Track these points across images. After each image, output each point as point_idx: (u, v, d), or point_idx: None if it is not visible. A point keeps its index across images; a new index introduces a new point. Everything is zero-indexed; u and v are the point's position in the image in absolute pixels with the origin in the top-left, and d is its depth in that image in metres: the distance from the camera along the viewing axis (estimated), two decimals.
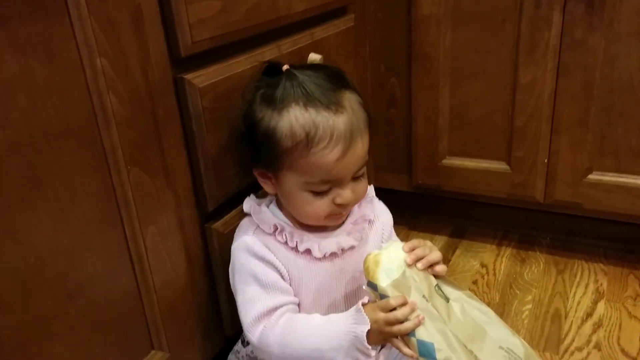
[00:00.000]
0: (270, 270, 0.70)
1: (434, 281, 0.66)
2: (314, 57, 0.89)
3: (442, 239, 1.31)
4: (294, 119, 0.66)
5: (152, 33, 0.63)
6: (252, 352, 0.79)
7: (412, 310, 0.61)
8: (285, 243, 0.72)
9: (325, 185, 0.68)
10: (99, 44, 0.57)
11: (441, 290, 0.66)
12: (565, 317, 1.03)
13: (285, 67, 0.72)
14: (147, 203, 0.65)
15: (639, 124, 1.00)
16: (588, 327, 1.00)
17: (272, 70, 0.72)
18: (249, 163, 0.74)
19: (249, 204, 0.75)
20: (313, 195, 0.69)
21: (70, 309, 0.58)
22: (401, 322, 0.61)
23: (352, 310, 0.65)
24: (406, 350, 0.62)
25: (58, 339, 0.57)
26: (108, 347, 0.63)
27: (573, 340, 0.97)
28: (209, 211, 0.75)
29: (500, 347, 0.63)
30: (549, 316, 1.03)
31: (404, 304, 0.62)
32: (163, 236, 0.68)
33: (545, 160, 1.09)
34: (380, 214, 0.82)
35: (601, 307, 1.04)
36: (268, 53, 0.82)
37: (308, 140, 0.65)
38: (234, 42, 0.76)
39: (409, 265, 0.65)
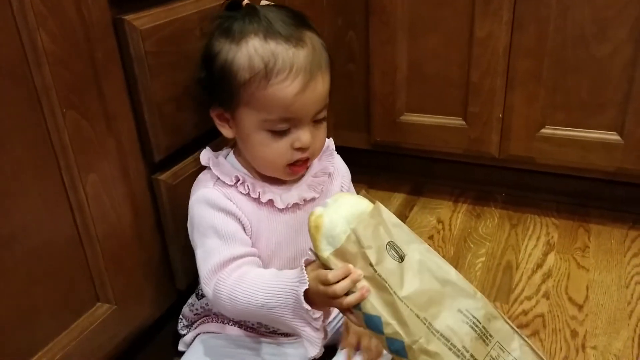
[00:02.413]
0: (230, 220, 0.69)
1: (386, 238, 0.58)
2: (265, 4, 0.87)
3: (400, 197, 1.32)
4: (253, 50, 0.64)
5: None
6: (206, 304, 0.78)
7: (354, 283, 0.56)
8: (247, 194, 0.70)
9: (283, 123, 0.66)
10: None
11: (395, 249, 0.59)
12: (517, 269, 1.05)
13: (246, 1, 0.70)
14: (87, 149, 0.62)
15: (590, 77, 1.01)
16: (538, 277, 1.03)
17: (232, 6, 0.70)
18: (206, 104, 0.71)
19: (206, 156, 0.73)
20: (271, 135, 0.66)
21: (6, 257, 0.55)
22: (341, 296, 0.57)
23: (299, 267, 0.62)
24: (354, 321, 0.59)
25: None
26: (49, 298, 0.61)
27: (523, 290, 1.00)
28: (156, 161, 0.72)
29: (459, 311, 0.59)
30: (500, 268, 1.06)
31: (345, 276, 0.56)
32: (105, 185, 0.65)
33: (500, 115, 1.10)
34: (339, 167, 0.81)
35: (551, 258, 1.07)
36: None
37: (266, 72, 0.63)
38: None
39: (358, 224, 0.57)
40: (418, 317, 0.57)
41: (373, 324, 0.57)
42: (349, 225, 0.57)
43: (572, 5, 0.98)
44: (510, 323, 0.61)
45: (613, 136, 1.04)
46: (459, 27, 1.07)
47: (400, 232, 0.59)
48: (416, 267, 0.58)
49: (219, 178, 0.71)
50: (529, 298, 0.98)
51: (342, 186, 0.81)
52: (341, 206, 0.59)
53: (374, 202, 0.60)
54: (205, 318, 0.79)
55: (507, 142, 1.12)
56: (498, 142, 1.13)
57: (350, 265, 0.57)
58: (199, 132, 0.78)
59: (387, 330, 0.57)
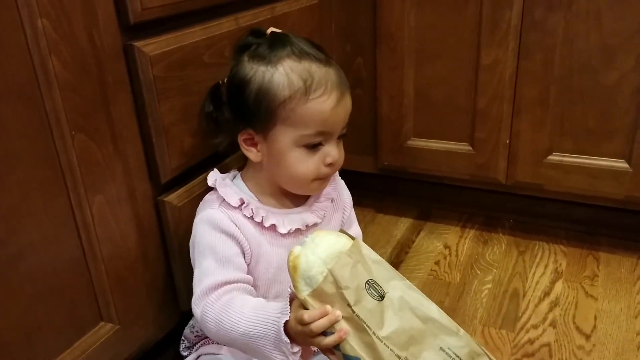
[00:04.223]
0: (230, 243, 0.70)
1: (365, 276, 0.57)
2: (274, 29, 0.89)
3: (407, 221, 1.31)
4: (289, 69, 0.67)
5: None
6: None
7: (331, 323, 0.56)
8: (251, 218, 0.71)
9: (319, 137, 0.68)
10: (39, 4, 0.55)
11: (374, 287, 0.58)
12: (523, 296, 1.04)
13: (270, 30, 0.73)
14: (94, 171, 0.63)
15: (596, 104, 1.02)
16: (545, 305, 1.01)
17: (256, 34, 0.73)
18: (233, 129, 0.72)
19: (213, 177, 0.74)
20: (306, 152, 0.69)
21: (11, 275, 0.57)
22: (318, 334, 0.57)
23: (284, 300, 0.61)
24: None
25: None
26: (53, 317, 0.62)
27: (529, 318, 0.99)
28: (162, 183, 0.74)
29: (441, 349, 0.57)
30: (507, 295, 1.05)
31: (321, 317, 0.56)
32: (111, 206, 0.66)
33: (507, 141, 1.11)
34: (342, 193, 0.82)
35: (559, 286, 1.06)
36: (225, 25, 0.81)
37: (306, 88, 0.66)
38: (188, 11, 0.75)
39: (336, 264, 0.57)
40: (399, 357, 0.56)
41: None
42: (326, 266, 0.56)
43: (578, 34, 0.99)
44: None
45: (621, 164, 1.03)
46: (465, 54, 1.08)
47: (380, 268, 0.58)
48: (397, 304, 0.57)
49: (224, 200, 0.72)
50: (535, 326, 0.96)
51: (344, 211, 0.82)
52: (318, 245, 0.58)
53: (353, 239, 0.59)
54: (205, 340, 0.79)
55: (514, 168, 1.12)
56: (505, 168, 1.13)
57: (328, 306, 0.56)
58: (205, 155, 0.80)
59: None
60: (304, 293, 0.57)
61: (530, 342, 0.93)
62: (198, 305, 0.67)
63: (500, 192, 1.21)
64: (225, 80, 0.74)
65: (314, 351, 0.70)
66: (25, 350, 0.59)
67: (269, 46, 0.69)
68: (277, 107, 0.67)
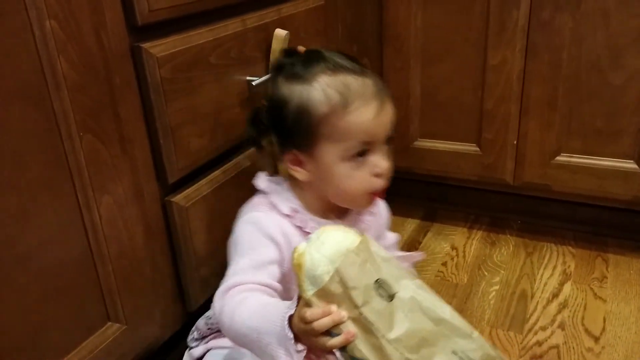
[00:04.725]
0: (271, 250, 0.68)
1: (374, 275, 0.55)
2: (280, 32, 0.89)
3: (414, 222, 1.31)
4: (325, 85, 0.67)
5: None
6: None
7: (334, 323, 0.54)
8: (300, 227, 0.70)
9: (363, 147, 0.67)
10: (48, 6, 0.56)
11: (383, 287, 0.55)
12: (532, 298, 1.03)
13: (301, 48, 0.74)
14: (102, 171, 0.64)
15: (605, 104, 1.01)
16: (553, 307, 1.01)
17: (289, 53, 0.74)
18: (278, 151, 0.72)
19: (265, 182, 0.73)
20: (353, 165, 0.68)
21: (20, 274, 0.57)
22: (321, 333, 0.54)
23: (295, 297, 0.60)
24: None
25: (5, 305, 0.56)
26: (60, 316, 0.62)
27: (538, 320, 0.98)
28: (169, 183, 0.74)
29: (454, 352, 0.55)
30: (515, 297, 1.04)
31: (324, 316, 0.54)
32: (119, 206, 0.67)
33: (515, 142, 1.10)
34: (381, 208, 0.82)
35: (567, 288, 1.05)
36: (232, 26, 0.81)
37: (344, 101, 0.66)
38: (195, 13, 0.75)
39: (343, 262, 0.54)
40: None
41: None
42: (333, 265, 0.54)
43: (586, 34, 0.98)
44: None
45: (630, 164, 1.03)
46: (472, 55, 1.08)
47: (390, 267, 0.56)
48: (407, 305, 0.55)
49: (275, 206, 0.71)
50: (543, 328, 0.96)
51: (381, 226, 0.81)
52: (324, 243, 0.56)
53: (361, 236, 0.57)
54: (218, 333, 0.79)
55: (521, 169, 1.12)
56: (512, 168, 1.12)
57: (333, 306, 0.54)
58: (212, 156, 0.80)
59: None
60: (309, 293, 0.55)
61: (539, 344, 0.92)
62: (220, 298, 0.65)
63: (507, 193, 1.20)
64: (264, 103, 0.73)
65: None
66: (33, 349, 0.60)
67: (303, 64, 0.69)
68: (317, 125, 0.67)
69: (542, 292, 1.04)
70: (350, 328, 0.54)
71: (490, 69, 1.07)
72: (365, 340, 0.54)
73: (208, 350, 0.78)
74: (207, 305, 0.82)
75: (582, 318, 0.97)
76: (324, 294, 0.54)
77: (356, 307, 0.54)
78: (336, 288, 0.54)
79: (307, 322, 0.55)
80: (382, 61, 1.16)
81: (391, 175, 0.71)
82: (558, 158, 1.08)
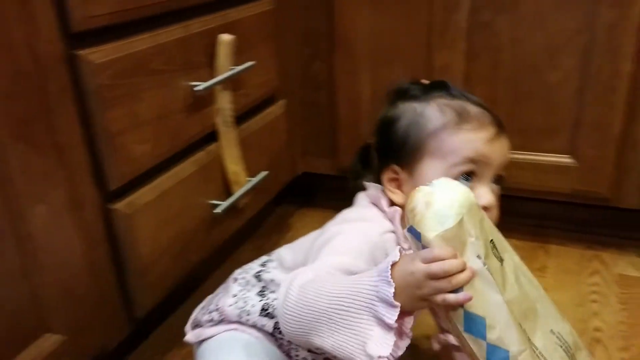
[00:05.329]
0: (364, 263, 0.59)
1: (489, 235, 0.52)
2: (225, 37, 0.90)
3: None
4: (443, 103, 0.65)
5: (39, 6, 0.62)
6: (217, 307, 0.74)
7: (463, 269, 0.48)
8: (398, 243, 0.64)
9: (469, 164, 0.62)
10: None
11: (496, 248, 0.52)
12: None
13: (425, 81, 0.72)
14: (35, 180, 0.63)
15: (543, 103, 1.05)
16: None
17: (413, 82, 0.72)
18: (379, 169, 0.68)
19: (376, 192, 0.68)
20: None
21: None
22: (449, 277, 0.47)
23: (377, 268, 0.52)
24: (444, 322, 0.51)
25: None
26: None
27: None
28: (110, 191, 0.73)
29: (552, 332, 0.53)
30: None
31: (454, 257, 0.48)
32: (55, 215, 0.66)
33: None
34: None
35: None
36: (175, 32, 0.81)
37: (459, 118, 0.63)
38: (136, 19, 0.75)
39: (468, 212, 0.50)
40: (521, 326, 0.50)
41: (474, 326, 0.48)
42: (463, 210, 0.50)
43: (523, 35, 1.02)
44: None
45: (567, 159, 1.07)
46: (419, 57, 1.11)
47: (498, 235, 0.54)
48: (513, 275, 0.52)
49: (385, 219, 0.65)
50: None
51: None
52: (454, 189, 0.52)
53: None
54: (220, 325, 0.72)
55: None
56: None
57: (457, 253, 0.49)
58: (156, 162, 0.80)
59: (490, 336, 0.48)
60: (434, 233, 0.49)
61: None
62: (291, 283, 0.55)
63: None
64: (374, 139, 0.71)
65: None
66: None
67: (424, 89, 0.68)
68: (426, 138, 0.63)
69: None
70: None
71: (436, 71, 1.10)
72: (485, 295, 0.49)
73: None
74: (154, 314, 0.82)
75: None
76: (450, 237, 0.49)
77: (478, 257, 0.50)
78: (462, 234, 0.50)
79: (433, 261, 0.47)
80: (334, 64, 1.18)
81: (496, 221, 0.64)
82: None
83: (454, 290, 0.48)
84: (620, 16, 0.94)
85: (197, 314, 0.78)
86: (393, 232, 0.64)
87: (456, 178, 0.61)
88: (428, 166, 0.63)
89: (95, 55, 0.68)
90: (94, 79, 0.68)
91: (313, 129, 1.26)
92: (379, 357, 0.48)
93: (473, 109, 0.65)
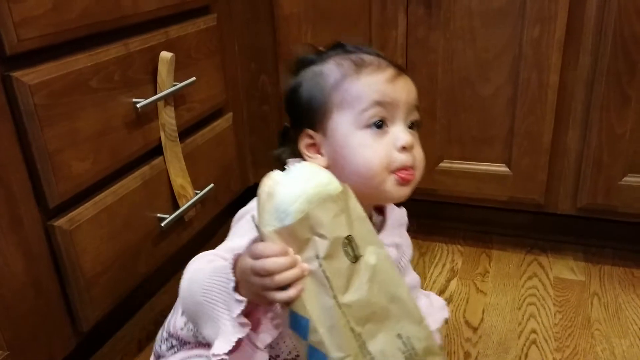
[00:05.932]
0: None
1: (346, 230, 0.50)
2: (165, 55, 0.92)
3: None
4: (338, 58, 0.66)
5: None
6: (171, 333, 0.72)
7: (289, 267, 0.48)
8: None
9: (377, 107, 0.61)
10: None
11: (351, 246, 0.50)
12: None
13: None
14: None
15: (478, 115, 1.10)
16: None
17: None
18: (294, 137, 0.68)
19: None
20: (370, 134, 0.61)
21: None
22: (271, 274, 0.47)
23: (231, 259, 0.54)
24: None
25: None
26: None
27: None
28: (50, 208, 0.75)
29: (399, 336, 0.51)
30: None
31: (281, 255, 0.47)
32: None
33: None
34: (408, 243, 0.79)
35: (453, 284, 1.14)
36: (114, 50, 0.83)
37: (356, 66, 0.64)
38: (70, 40, 0.76)
39: (319, 206, 0.48)
40: (353, 331, 0.49)
41: (298, 326, 0.49)
42: (309, 206, 0.48)
43: (456, 50, 1.07)
44: None
45: (502, 168, 1.12)
46: None
47: (362, 228, 0.51)
48: (368, 273, 0.50)
49: None
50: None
51: (405, 261, 0.78)
52: (308, 181, 0.49)
53: (342, 185, 0.51)
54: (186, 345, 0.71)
55: None
56: None
57: (290, 249, 0.48)
58: (97, 178, 0.82)
59: (311, 338, 0.48)
60: (270, 228, 0.48)
61: None
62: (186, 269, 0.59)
63: None
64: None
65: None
66: None
67: (320, 52, 0.68)
68: (329, 92, 0.64)
69: (430, 290, 1.12)
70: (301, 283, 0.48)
71: None
72: (314, 297, 0.48)
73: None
74: (99, 328, 0.84)
75: (464, 311, 1.06)
76: (287, 234, 0.48)
77: (317, 257, 0.49)
78: (303, 232, 0.48)
79: (258, 258, 0.48)
80: (279, 78, 1.21)
81: (421, 166, 0.65)
82: (441, 164, 1.16)
83: (285, 287, 0.48)
84: (544, 31, 1.00)
85: (156, 345, 0.75)
86: None
87: (368, 126, 0.62)
88: (338, 120, 0.63)
89: (30, 76, 0.70)
90: (29, 99, 0.70)
91: (262, 141, 1.29)
92: (214, 354, 0.50)
93: (369, 57, 0.66)
